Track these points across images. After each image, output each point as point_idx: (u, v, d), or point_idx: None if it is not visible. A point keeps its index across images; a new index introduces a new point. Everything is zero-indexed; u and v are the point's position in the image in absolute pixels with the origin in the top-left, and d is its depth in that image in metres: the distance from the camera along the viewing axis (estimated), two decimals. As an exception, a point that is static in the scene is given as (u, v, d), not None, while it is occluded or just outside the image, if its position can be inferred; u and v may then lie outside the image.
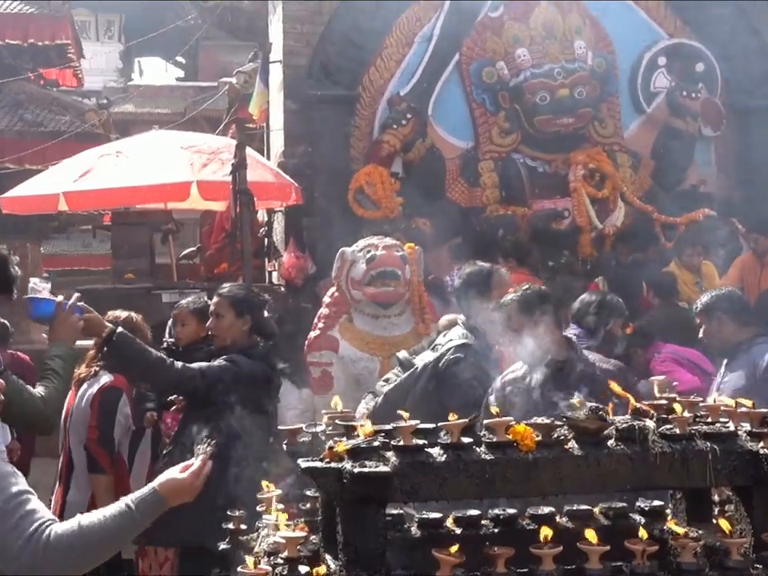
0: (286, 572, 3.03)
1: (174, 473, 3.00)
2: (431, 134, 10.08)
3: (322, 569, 2.96)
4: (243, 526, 3.66)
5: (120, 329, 4.74)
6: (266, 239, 10.22)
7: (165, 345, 6.47)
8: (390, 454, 2.98)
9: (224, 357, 5.09)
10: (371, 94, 10.11)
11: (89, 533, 2.78)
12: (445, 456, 2.95)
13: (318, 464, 3.00)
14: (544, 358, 4.73)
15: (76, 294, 4.41)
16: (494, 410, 3.40)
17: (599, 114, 10.38)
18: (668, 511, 3.49)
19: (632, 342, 6.62)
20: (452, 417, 3.07)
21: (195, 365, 5.02)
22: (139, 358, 4.82)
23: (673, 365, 6.55)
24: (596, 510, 3.47)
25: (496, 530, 3.35)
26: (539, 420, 3.13)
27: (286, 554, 3.09)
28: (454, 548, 2.91)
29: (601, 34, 10.53)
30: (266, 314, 5.39)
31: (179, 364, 4.98)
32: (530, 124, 10.08)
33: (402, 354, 5.79)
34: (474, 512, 3.40)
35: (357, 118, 10.01)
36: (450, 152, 10.15)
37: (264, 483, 3.57)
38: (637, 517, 3.47)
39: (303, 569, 3.03)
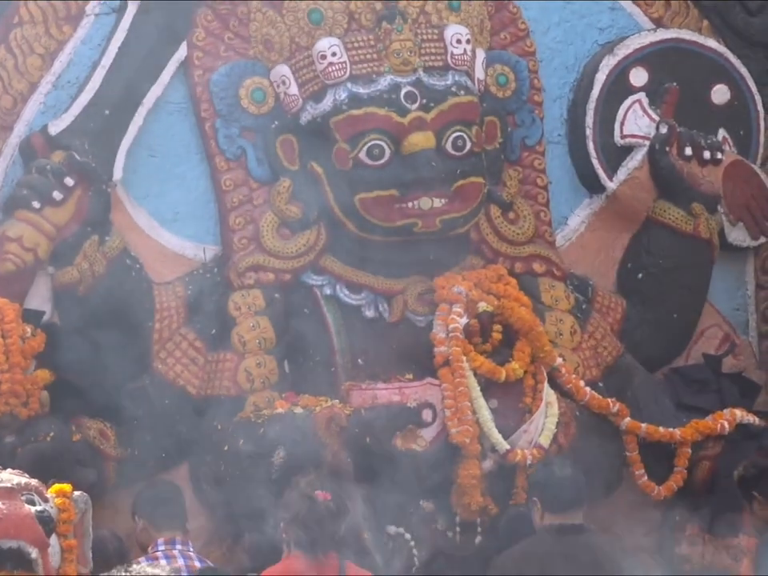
0: None
1: None
2: (122, 223, 7.07)
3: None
4: None
5: None
6: None
7: None
8: None
9: None
10: (-16, 128, 7.36)
11: None
12: None
13: None
14: None
15: None
16: None
17: (499, 194, 7.38)
18: None
19: None
20: None
21: None
22: None
23: None
24: None
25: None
26: None
27: None
28: None
29: (507, 12, 7.57)
30: None
31: None
32: (345, 209, 7.04)
33: None
34: None
35: (-56, 184, 7.28)
36: (167, 268, 7.19)
37: None
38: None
39: None
